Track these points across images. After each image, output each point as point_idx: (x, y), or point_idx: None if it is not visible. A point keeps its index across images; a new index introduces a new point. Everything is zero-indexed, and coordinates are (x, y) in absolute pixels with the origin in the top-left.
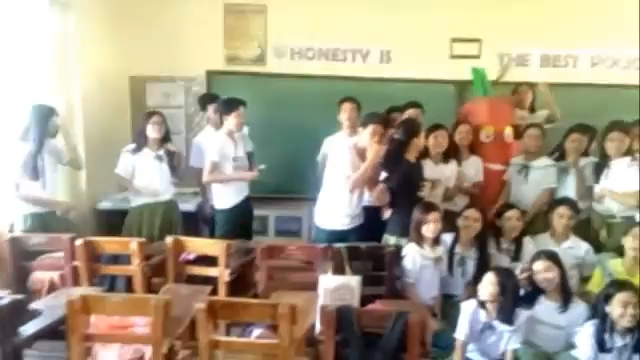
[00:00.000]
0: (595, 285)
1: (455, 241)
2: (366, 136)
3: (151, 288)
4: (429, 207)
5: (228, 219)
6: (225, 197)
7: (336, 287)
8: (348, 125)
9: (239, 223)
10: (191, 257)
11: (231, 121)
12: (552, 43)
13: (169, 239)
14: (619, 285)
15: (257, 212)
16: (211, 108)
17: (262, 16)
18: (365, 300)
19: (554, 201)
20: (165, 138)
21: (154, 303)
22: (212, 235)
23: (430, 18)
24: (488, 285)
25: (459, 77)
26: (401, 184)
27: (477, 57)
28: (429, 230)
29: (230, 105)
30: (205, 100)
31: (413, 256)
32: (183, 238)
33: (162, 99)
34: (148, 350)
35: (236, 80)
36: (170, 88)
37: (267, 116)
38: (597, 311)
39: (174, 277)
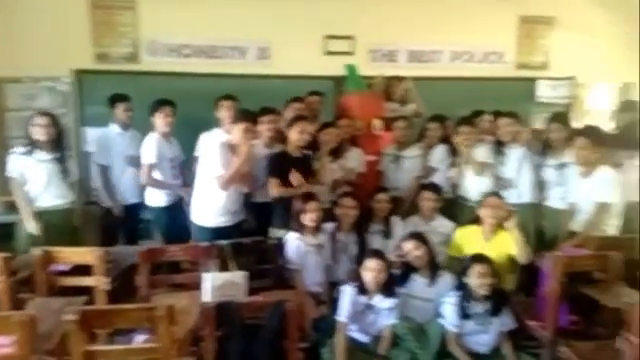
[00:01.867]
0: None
1: (336, 229)
2: (237, 133)
3: (19, 305)
4: (308, 197)
5: (162, 216)
6: (160, 194)
7: (221, 284)
8: (226, 123)
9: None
10: (67, 268)
11: (158, 121)
12: (418, 39)
13: (36, 250)
14: (476, 258)
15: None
16: (121, 107)
17: (132, 12)
18: (253, 294)
19: (420, 186)
20: (59, 140)
21: (18, 320)
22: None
23: (305, 15)
24: (371, 270)
25: (335, 73)
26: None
27: (351, 54)
28: (309, 219)
29: (155, 105)
30: (114, 99)
31: (296, 244)
32: (53, 248)
33: (24, 101)
34: None
35: (108, 79)
36: (32, 89)
37: (143, 116)
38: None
39: (45, 291)
